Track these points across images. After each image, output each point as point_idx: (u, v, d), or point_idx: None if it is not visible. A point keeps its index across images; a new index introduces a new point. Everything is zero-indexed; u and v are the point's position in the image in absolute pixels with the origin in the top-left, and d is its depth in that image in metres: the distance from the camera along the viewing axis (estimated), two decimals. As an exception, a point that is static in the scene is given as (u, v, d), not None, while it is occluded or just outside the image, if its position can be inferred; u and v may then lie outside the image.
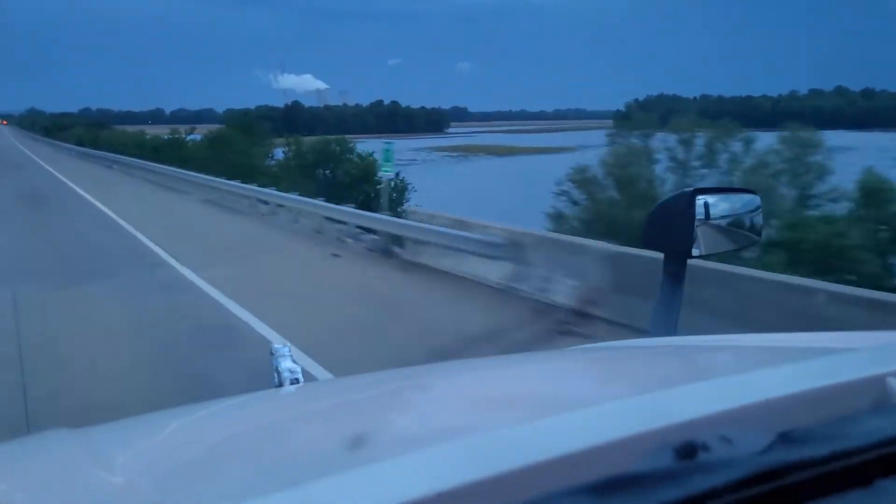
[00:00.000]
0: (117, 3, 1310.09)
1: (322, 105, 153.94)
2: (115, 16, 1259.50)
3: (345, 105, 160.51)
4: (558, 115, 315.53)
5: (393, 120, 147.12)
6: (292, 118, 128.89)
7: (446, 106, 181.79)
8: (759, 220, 1.69)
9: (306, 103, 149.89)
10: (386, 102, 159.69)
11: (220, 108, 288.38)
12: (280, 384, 1.38)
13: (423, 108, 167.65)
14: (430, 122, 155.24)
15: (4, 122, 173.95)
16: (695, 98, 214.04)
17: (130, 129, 51.93)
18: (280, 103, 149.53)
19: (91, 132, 49.28)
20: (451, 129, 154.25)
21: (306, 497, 0.56)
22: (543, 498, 0.55)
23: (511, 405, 0.96)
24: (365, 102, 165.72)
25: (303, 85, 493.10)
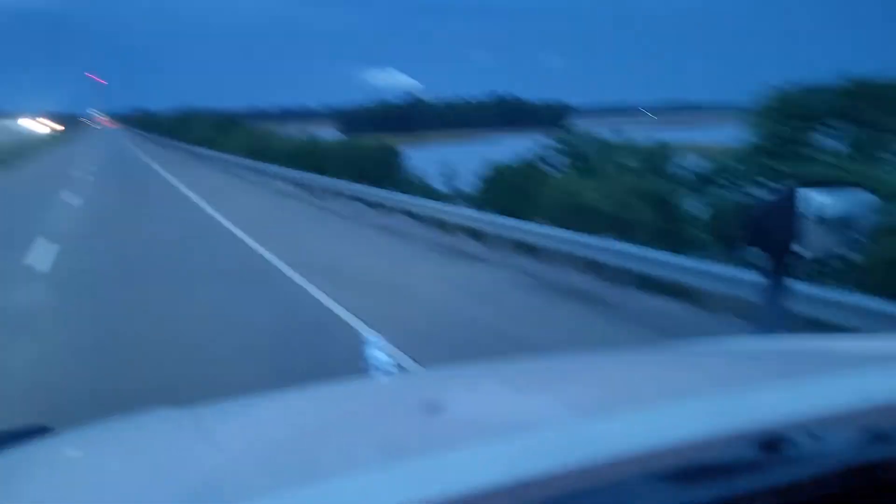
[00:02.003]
0: (213, 4, 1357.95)
1: (443, 102, 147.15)
2: (211, 17, 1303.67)
3: (463, 98, 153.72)
4: (657, 108, 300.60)
5: (513, 114, 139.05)
6: (409, 115, 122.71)
7: (534, 100, 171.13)
8: (867, 215, 1.63)
9: (393, 100, 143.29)
10: (505, 96, 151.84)
11: (317, 104, 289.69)
12: (372, 375, 1.42)
13: (540, 100, 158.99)
14: (553, 116, 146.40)
15: (116, 121, 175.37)
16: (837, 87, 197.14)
17: (290, 126, 44.51)
18: (370, 99, 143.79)
19: (249, 132, 41.88)
20: (577, 124, 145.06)
21: (387, 479, 0.62)
22: (625, 482, 0.57)
23: (603, 400, 1.00)
24: (453, 98, 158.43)
25: (392, 81, 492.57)
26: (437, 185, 27.42)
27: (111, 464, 0.97)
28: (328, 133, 51.68)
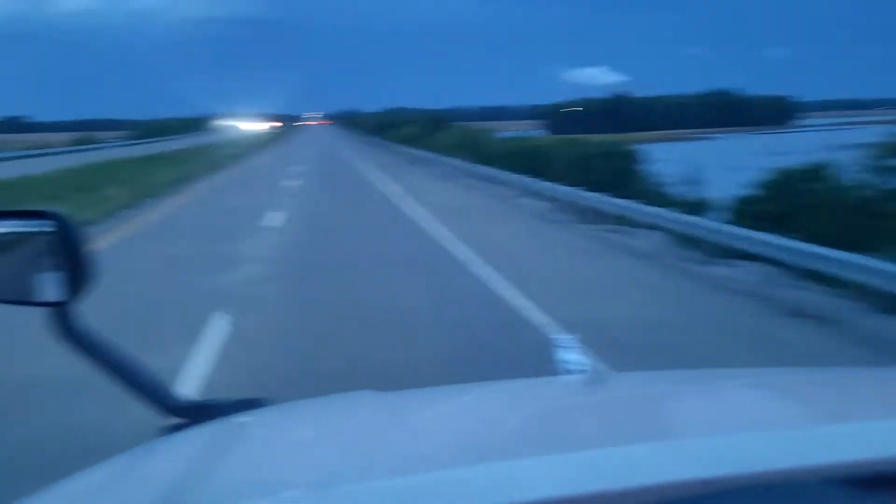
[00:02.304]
0: (419, 9, 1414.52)
1: (654, 99, 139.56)
2: (417, 20, 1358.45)
3: (678, 95, 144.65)
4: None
5: (732, 111, 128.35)
6: (618, 112, 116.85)
7: (755, 94, 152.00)
8: None
9: (599, 97, 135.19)
10: (727, 90, 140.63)
11: (519, 104, 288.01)
12: (565, 373, 1.43)
13: (761, 96, 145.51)
14: (776, 112, 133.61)
15: (329, 122, 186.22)
16: None
17: (489, 125, 41.37)
18: (575, 96, 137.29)
19: (457, 131, 39.42)
20: (805, 121, 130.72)
21: (578, 466, 0.68)
22: (803, 485, 0.61)
23: (808, 413, 1.00)
24: (662, 94, 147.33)
25: (595, 78, 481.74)
26: (675, 193, 23.03)
27: (312, 437, 1.08)
28: (534, 133, 48.30)
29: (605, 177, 19.34)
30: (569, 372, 1.40)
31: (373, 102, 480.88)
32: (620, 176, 19.53)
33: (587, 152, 21.25)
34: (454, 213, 15.58)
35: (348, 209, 17.23)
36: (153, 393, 1.19)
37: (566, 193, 15.55)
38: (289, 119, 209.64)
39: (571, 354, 1.44)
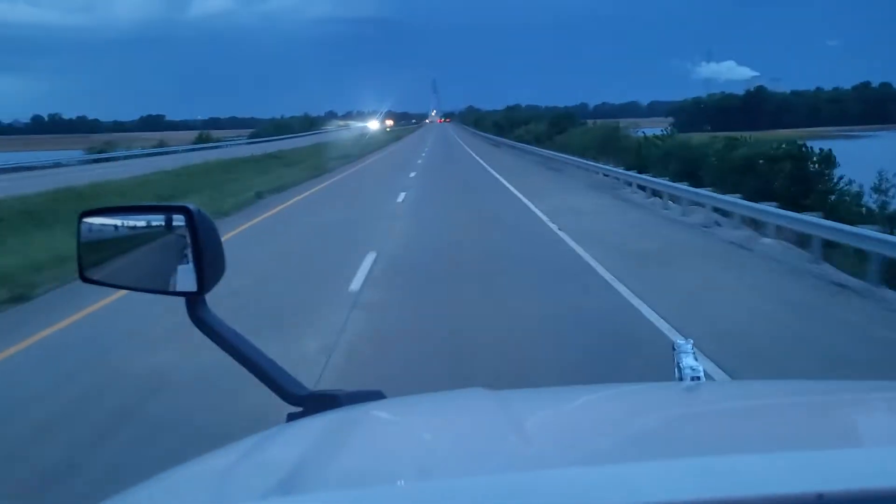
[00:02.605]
0: (540, 6, 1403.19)
1: (792, 94, 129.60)
2: (538, 17, 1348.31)
3: (818, 90, 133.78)
4: None
5: (882, 106, 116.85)
6: (752, 108, 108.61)
7: None
8: None
9: (731, 93, 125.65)
10: (874, 85, 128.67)
11: (643, 101, 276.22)
12: (680, 379, 1.39)
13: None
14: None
15: (447, 120, 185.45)
16: None
17: (615, 122, 37.31)
18: (701, 93, 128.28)
19: (588, 130, 35.86)
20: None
21: (688, 473, 0.68)
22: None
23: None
24: (805, 90, 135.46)
25: (725, 73, 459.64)
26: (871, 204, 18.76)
27: (423, 430, 1.10)
28: (665, 131, 43.95)
29: (784, 184, 15.57)
30: (684, 377, 1.35)
31: (490, 100, 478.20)
32: (802, 183, 15.66)
33: (754, 153, 17.33)
34: (646, 261, 9.87)
35: (488, 247, 11.31)
36: (276, 381, 1.24)
37: (787, 219, 10.58)
38: (411, 116, 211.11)
39: (688, 359, 1.38)
